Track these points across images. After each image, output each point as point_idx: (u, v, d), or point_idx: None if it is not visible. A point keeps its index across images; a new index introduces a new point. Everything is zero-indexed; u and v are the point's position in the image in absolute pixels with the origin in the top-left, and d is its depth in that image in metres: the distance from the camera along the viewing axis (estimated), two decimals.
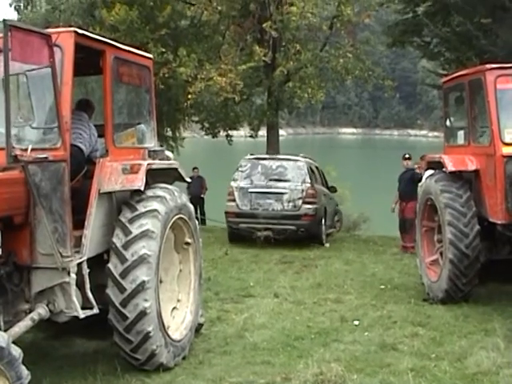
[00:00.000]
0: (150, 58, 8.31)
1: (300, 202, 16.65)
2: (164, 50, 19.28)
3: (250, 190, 16.90)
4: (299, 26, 20.77)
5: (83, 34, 6.75)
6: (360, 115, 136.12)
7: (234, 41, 21.09)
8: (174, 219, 7.46)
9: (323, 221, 17.50)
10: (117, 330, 6.94)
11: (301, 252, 15.92)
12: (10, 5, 24.11)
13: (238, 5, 20.41)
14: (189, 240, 8.05)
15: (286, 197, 16.71)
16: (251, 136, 23.97)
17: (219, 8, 20.40)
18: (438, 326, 8.98)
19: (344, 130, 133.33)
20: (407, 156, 16.64)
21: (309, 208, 16.67)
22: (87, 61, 7.29)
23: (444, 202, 10.19)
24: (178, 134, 25.77)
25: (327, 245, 17.40)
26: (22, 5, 23.98)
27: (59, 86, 6.28)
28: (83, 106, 8.07)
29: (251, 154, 17.89)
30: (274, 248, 16.02)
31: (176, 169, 8.08)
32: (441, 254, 10.68)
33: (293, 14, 19.01)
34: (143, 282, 6.78)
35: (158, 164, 7.67)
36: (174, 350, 7.42)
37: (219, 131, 24.21)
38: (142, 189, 7.05)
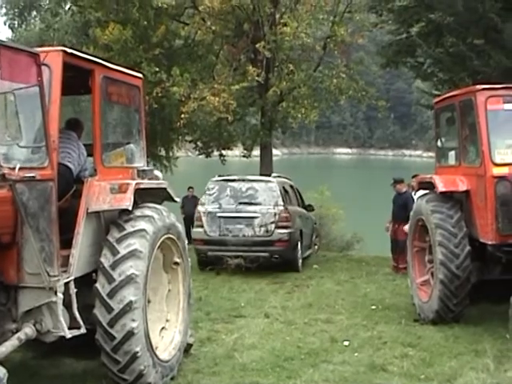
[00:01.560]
0: (139, 78, 8.31)
1: (273, 226, 15.54)
2: (157, 69, 19.32)
3: (219, 215, 15.77)
4: (293, 46, 20.86)
5: (72, 53, 6.76)
6: (355, 135, 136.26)
7: (227, 60, 21.17)
8: (162, 239, 7.43)
9: (299, 245, 16.44)
10: (104, 350, 6.88)
11: (293, 272, 15.85)
12: (5, 23, 24.24)
13: (231, 25, 20.52)
14: (177, 260, 8.02)
15: (257, 221, 15.58)
16: (244, 156, 23.97)
17: (213, 28, 20.48)
18: (428, 346, 8.94)
19: (339, 149, 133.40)
20: (398, 180, 16.38)
21: (282, 233, 15.55)
22: (77, 80, 7.30)
23: (435, 222, 10.18)
24: (171, 154, 25.80)
25: (315, 266, 17.21)
26: (16, 23, 24.07)
27: (47, 105, 6.30)
28: (72, 126, 8.07)
29: (219, 176, 16.76)
30: (265, 268, 15.83)
31: (165, 188, 8.06)
32: (432, 274, 10.66)
33: (286, 34, 19.09)
34: (130, 301, 6.73)
35: (146, 184, 7.65)
36: (163, 370, 7.36)
37: (212, 151, 24.24)
38: (130, 208, 7.03)
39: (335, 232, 26.30)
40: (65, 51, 6.63)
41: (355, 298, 12.68)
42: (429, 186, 10.86)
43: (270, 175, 19.01)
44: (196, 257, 16.06)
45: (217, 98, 18.66)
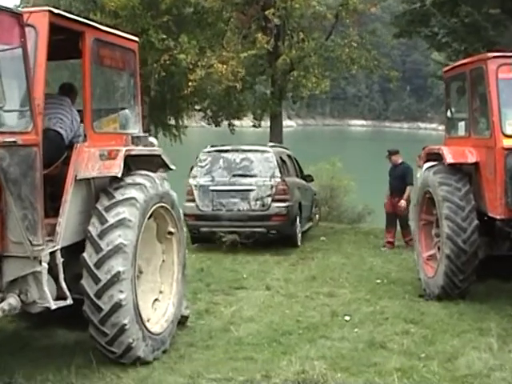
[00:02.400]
0: (134, 41, 7.99)
1: (269, 199, 14.54)
2: (165, 36, 18.95)
3: (212, 188, 14.75)
4: (303, 14, 20.38)
5: (59, 14, 6.45)
6: (370, 107, 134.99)
7: (237, 28, 20.71)
8: (154, 208, 7.18)
9: (298, 219, 15.40)
10: (92, 322, 6.69)
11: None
12: None
13: None
14: (172, 229, 7.77)
15: (252, 194, 14.60)
16: (254, 125, 23.59)
17: None
18: (431, 323, 8.65)
19: (354, 121, 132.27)
20: (393, 151, 15.89)
21: (280, 206, 14.55)
22: (68, 43, 7.03)
23: (442, 194, 9.85)
24: (180, 123, 25.50)
25: (323, 238, 16.82)
26: None
27: (32, 68, 6.04)
28: (66, 91, 7.82)
29: (212, 146, 15.55)
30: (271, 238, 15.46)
31: (159, 155, 7.78)
32: (439, 248, 10.34)
33: (296, 1, 18.61)
34: (118, 272, 6.51)
35: (138, 150, 7.38)
36: (153, 343, 7.15)
37: (222, 120, 23.90)
38: (119, 175, 6.77)
39: (346, 204, 26.06)
40: (51, 11, 6.32)
41: (360, 272, 12.40)
42: (437, 157, 10.50)
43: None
44: (188, 233, 14.81)
45: (224, 66, 18.25)
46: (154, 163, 7.79)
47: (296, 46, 19.47)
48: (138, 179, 7.03)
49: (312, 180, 18.78)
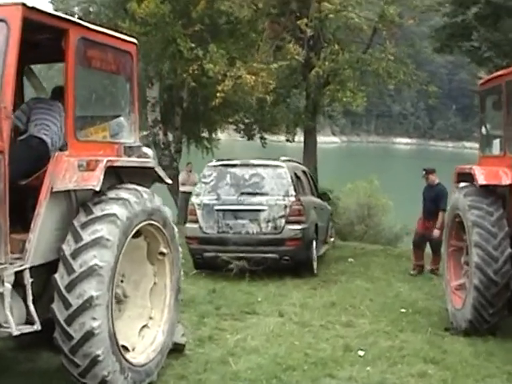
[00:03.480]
0: (132, 43, 7.29)
1: (282, 221, 12.96)
2: (193, 45, 18.34)
3: (217, 208, 13.16)
4: (340, 26, 19.60)
5: (35, 8, 5.77)
6: (415, 125, 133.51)
7: (270, 38, 19.98)
8: (140, 225, 6.46)
9: (314, 243, 13.75)
10: (63, 351, 5.98)
11: (323, 264, 14.67)
12: None
13: (274, 1, 19.31)
14: (164, 250, 7.05)
15: (263, 215, 13.02)
16: (288, 140, 22.85)
17: (258, 5, 19.34)
18: (453, 364, 7.71)
19: (398, 139, 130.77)
20: (430, 170, 14.69)
21: (294, 229, 12.99)
22: (54, 43, 6.40)
23: (472, 219, 8.96)
24: (214, 135, 24.99)
25: (350, 260, 15.82)
26: None
27: (0, 67, 5.42)
28: (58, 95, 7.16)
29: (218, 160, 14.11)
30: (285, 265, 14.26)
31: (152, 168, 7.07)
32: (468, 277, 9.45)
33: (330, 11, 17.79)
34: (91, 297, 5.79)
35: (125, 161, 6.68)
36: (135, 375, 6.42)
37: (255, 134, 23.26)
38: (98, 189, 6.05)
39: (384, 223, 25.23)
40: (25, 5, 5.67)
41: (384, 299, 11.49)
42: (469, 178, 9.61)
43: (314, 162, 17.52)
44: (191, 258, 13.53)
45: (253, 77, 17.49)
46: (148, 176, 7.09)
47: (329, 58, 18.60)
48: (123, 193, 6.32)
49: (329, 199, 17.49)
